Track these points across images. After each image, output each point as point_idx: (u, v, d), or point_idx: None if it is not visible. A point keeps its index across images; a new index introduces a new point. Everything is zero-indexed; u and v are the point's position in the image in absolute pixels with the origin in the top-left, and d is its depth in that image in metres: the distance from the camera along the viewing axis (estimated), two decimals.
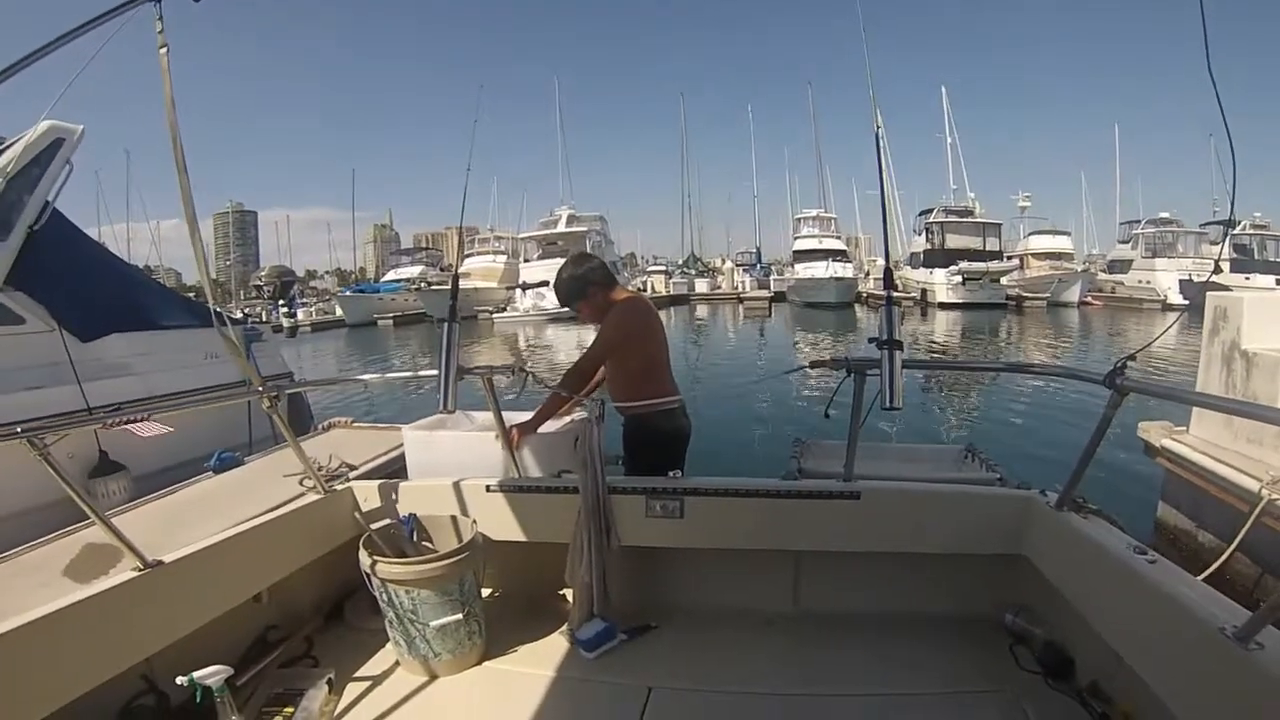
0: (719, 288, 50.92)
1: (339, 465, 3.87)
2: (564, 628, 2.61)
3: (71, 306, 4.80)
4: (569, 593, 2.68)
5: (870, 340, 2.16)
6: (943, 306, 30.50)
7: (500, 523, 2.66)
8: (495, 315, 32.93)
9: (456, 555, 2.31)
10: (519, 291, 34.91)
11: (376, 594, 2.32)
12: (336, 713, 2.15)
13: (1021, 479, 2.86)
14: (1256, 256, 26.84)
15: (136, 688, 1.97)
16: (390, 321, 34.85)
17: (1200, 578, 1.75)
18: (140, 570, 1.92)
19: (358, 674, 2.37)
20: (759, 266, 52.67)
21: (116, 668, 1.84)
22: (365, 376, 3.11)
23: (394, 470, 3.50)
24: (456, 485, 2.69)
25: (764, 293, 42.62)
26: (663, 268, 60.89)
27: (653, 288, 50.22)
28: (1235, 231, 28.59)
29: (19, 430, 1.67)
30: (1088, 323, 25.74)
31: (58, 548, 2.67)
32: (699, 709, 2.13)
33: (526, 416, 3.05)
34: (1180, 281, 26.73)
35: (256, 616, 2.45)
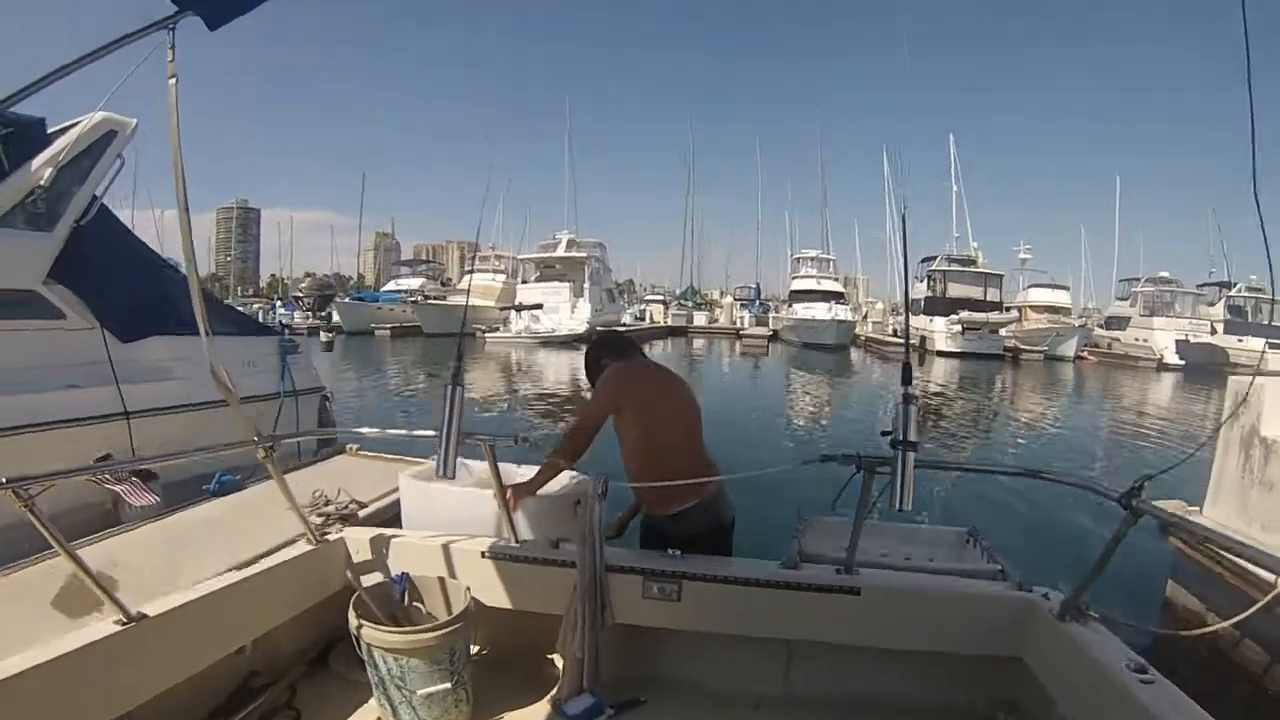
0: (717, 321, 51.23)
1: (338, 504, 3.77)
2: (551, 695, 2.52)
3: (114, 305, 4.64)
4: (558, 659, 2.60)
5: (884, 434, 2.09)
6: (940, 354, 30.56)
7: (493, 589, 2.57)
8: (488, 335, 32.73)
9: (449, 626, 2.21)
10: (513, 313, 34.83)
11: (363, 657, 2.22)
12: None
13: (1022, 569, 2.77)
14: (1251, 319, 27.00)
15: None
16: (388, 332, 34.78)
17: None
18: (124, 624, 1.84)
19: None
20: (757, 303, 52.90)
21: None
22: (364, 430, 3.00)
23: (394, 514, 3.35)
24: (449, 548, 2.60)
25: (763, 330, 42.63)
26: (661, 297, 61.25)
27: (651, 317, 50.72)
28: (1231, 294, 28.90)
29: (3, 480, 1.57)
30: (1082, 379, 25.80)
31: (42, 571, 2.53)
32: None
33: (525, 471, 2.95)
34: (1177, 341, 26.89)
35: (239, 664, 2.36)
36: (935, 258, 36.23)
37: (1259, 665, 3.51)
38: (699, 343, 42.86)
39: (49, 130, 4.66)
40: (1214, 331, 27.12)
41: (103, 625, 1.84)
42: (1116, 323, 32.57)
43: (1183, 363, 26.03)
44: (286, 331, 6.06)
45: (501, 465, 3.16)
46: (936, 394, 20.59)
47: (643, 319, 50.58)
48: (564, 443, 2.76)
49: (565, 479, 3.01)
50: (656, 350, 37.41)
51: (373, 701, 2.33)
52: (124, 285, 4.89)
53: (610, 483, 2.51)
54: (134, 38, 1.82)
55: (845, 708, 2.47)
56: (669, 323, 49.43)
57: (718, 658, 2.59)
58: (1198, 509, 4.46)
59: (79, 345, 4.40)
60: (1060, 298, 36.25)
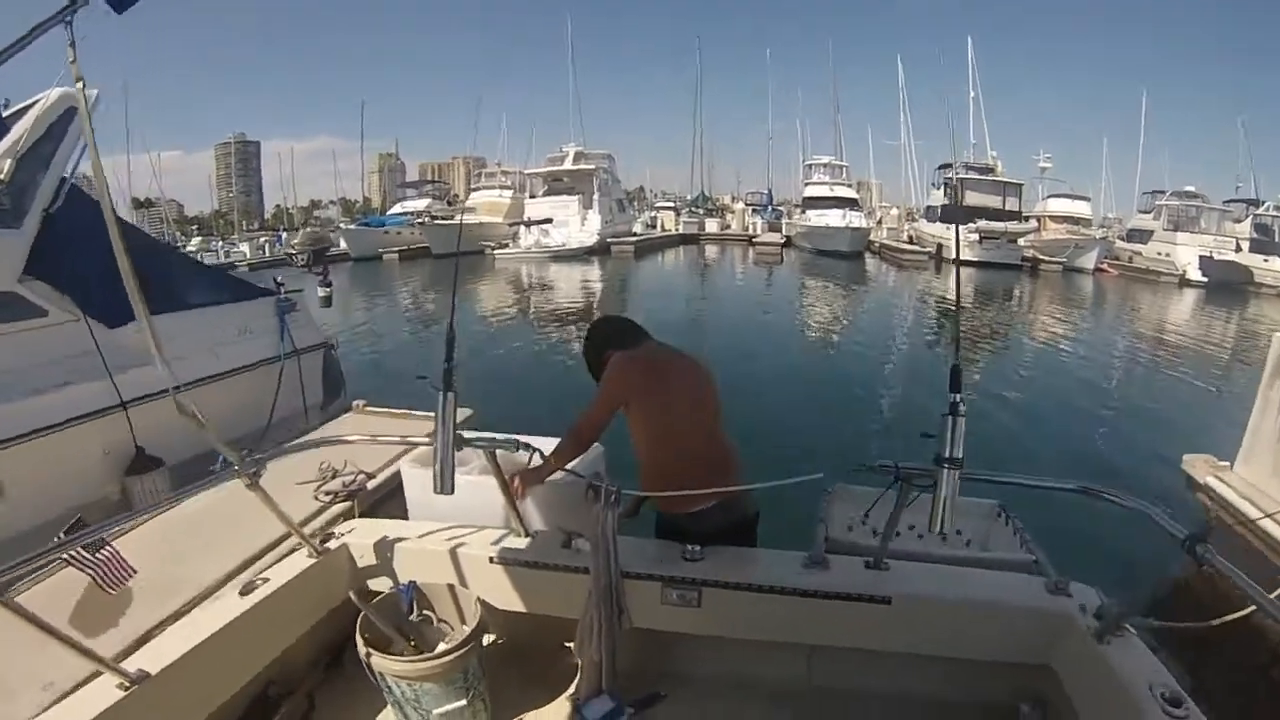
0: (729, 228, 50.43)
1: (345, 477, 3.71)
2: (569, 694, 2.47)
3: (96, 292, 4.38)
4: (575, 658, 2.50)
5: (924, 435, 1.94)
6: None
7: (505, 593, 2.49)
8: (497, 251, 32.47)
9: (460, 650, 2.13)
10: (523, 228, 34.53)
11: (375, 681, 2.15)
12: None
13: (1055, 553, 2.72)
14: (1278, 238, 26.18)
15: None
16: (395, 256, 34.31)
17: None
18: (126, 688, 1.73)
19: None
20: (770, 209, 51.91)
21: None
22: (352, 438, 2.82)
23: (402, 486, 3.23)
24: (456, 552, 2.50)
25: (776, 236, 41.66)
26: (672, 204, 60.29)
27: (662, 225, 50.13)
28: (1259, 212, 27.97)
29: None
30: (1102, 292, 25.40)
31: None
32: None
33: (534, 442, 2.82)
34: (1200, 258, 26.13)
35: (256, 678, 2.29)
36: (952, 165, 35.17)
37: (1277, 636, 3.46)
38: (711, 250, 42.48)
39: (3, 116, 4.36)
40: (1239, 249, 26.32)
41: (103, 690, 1.74)
42: (1138, 236, 31.68)
43: (1205, 280, 25.40)
44: (282, 290, 5.79)
45: (505, 436, 3.08)
46: (950, 305, 20.44)
47: (653, 227, 49.83)
48: (565, 442, 2.56)
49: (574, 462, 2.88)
50: (668, 259, 37.23)
51: (389, 710, 2.30)
52: (105, 269, 4.65)
53: (624, 491, 2.36)
54: (32, 35, 1.55)
55: (866, 700, 2.44)
56: (680, 230, 48.78)
57: (738, 655, 2.53)
58: (1228, 464, 4.36)
59: (66, 340, 4.23)
60: (1081, 208, 35.23)
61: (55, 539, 1.61)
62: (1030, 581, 2.30)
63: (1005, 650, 2.21)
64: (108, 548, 1.77)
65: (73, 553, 1.68)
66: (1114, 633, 1.95)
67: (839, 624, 2.26)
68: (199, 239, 46.61)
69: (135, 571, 1.89)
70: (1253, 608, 1.54)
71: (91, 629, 1.84)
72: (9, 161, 4.09)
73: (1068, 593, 2.18)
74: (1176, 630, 2.05)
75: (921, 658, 2.30)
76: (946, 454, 1.87)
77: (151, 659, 1.84)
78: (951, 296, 22.21)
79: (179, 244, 40.34)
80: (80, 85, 1.51)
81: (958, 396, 1.89)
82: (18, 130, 4.18)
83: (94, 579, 1.74)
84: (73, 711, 1.67)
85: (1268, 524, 3.65)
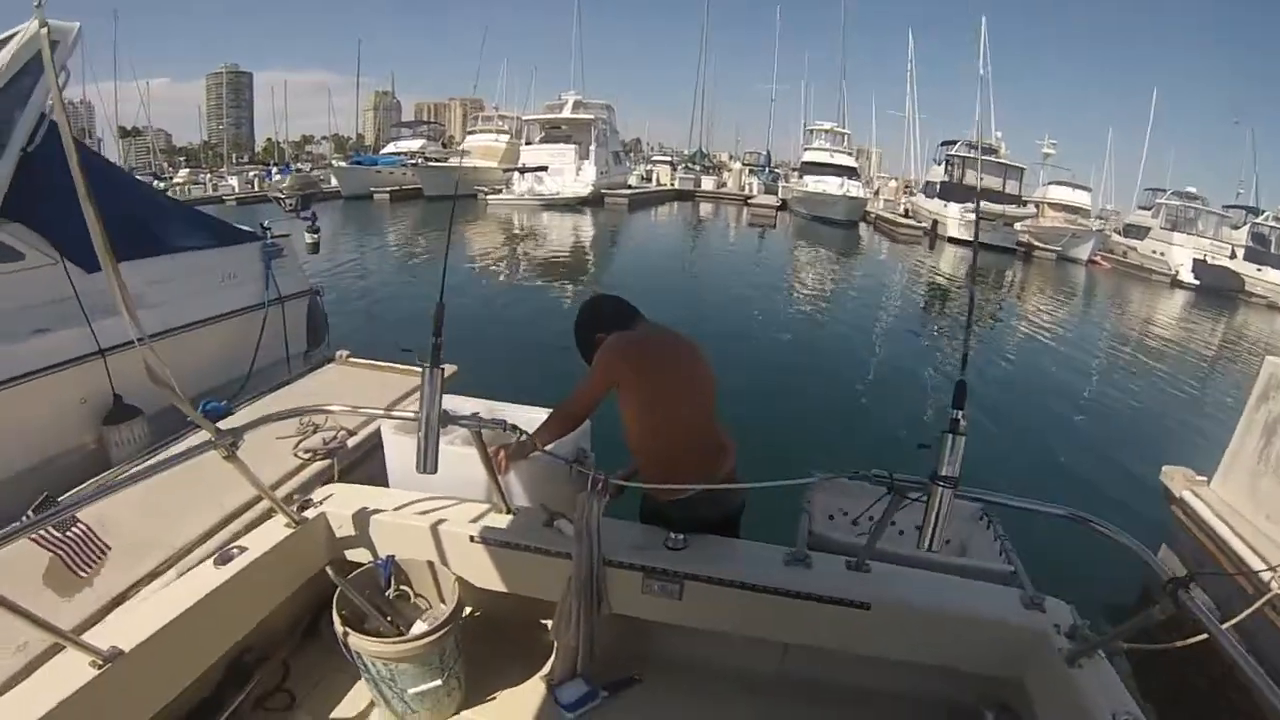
0: (725, 186, 49.98)
1: (326, 434, 3.65)
2: (543, 674, 2.51)
3: (75, 235, 4.11)
4: (551, 639, 2.52)
5: (921, 446, 1.91)
6: (952, 240, 30.07)
7: (484, 572, 2.46)
8: (490, 197, 32.11)
9: (437, 633, 2.13)
10: (517, 174, 34.12)
11: (351, 658, 2.14)
12: None
13: (1033, 562, 2.76)
14: (1274, 250, 26.14)
15: None
16: (386, 196, 33.79)
17: None
18: (99, 666, 1.70)
19: (334, 717, 2.30)
20: (767, 171, 51.40)
21: None
22: (334, 408, 2.74)
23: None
24: (438, 529, 2.46)
25: (772, 200, 41.42)
26: (668, 159, 59.65)
27: (658, 179, 49.67)
28: (1257, 221, 27.96)
29: None
30: (1093, 284, 25.58)
31: None
32: None
33: (519, 412, 2.76)
34: (1194, 260, 26.14)
35: (232, 647, 2.27)
36: (956, 142, 34.93)
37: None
38: (705, 208, 42.45)
39: None
40: (1234, 256, 26.36)
41: (75, 668, 1.70)
42: (1135, 231, 31.62)
43: (1197, 283, 25.48)
44: (269, 234, 5.63)
45: (489, 403, 2.99)
46: (942, 281, 20.44)
47: (649, 180, 49.31)
48: (552, 420, 2.49)
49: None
50: (662, 214, 36.98)
51: (364, 686, 2.30)
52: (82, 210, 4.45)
53: (611, 480, 2.34)
54: None
55: (838, 694, 2.47)
56: (676, 186, 48.38)
57: (714, 644, 2.54)
58: (1205, 480, 4.41)
59: (42, 284, 4.06)
60: (1080, 198, 35.05)
61: (23, 518, 1.54)
62: (1007, 594, 2.31)
63: (977, 661, 2.23)
64: (78, 525, 1.71)
65: (42, 533, 1.61)
66: (1086, 655, 1.97)
67: (818, 625, 2.27)
68: (186, 171, 46.08)
69: (109, 548, 1.83)
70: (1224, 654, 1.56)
71: (61, 595, 1.78)
72: None
73: (1042, 608, 2.20)
74: (1145, 660, 2.08)
75: (894, 660, 2.32)
76: (943, 472, 1.84)
77: (125, 635, 1.80)
78: (946, 276, 22.27)
79: (166, 175, 39.74)
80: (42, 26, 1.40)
81: (960, 413, 1.85)
82: None
83: (64, 561, 1.68)
84: (44, 689, 1.64)
85: (1238, 545, 3.72)
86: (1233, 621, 1.79)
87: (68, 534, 1.68)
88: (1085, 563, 3.49)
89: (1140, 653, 2.02)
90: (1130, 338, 15.95)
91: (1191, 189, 31.39)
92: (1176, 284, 26.07)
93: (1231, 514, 4.00)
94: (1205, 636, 1.62)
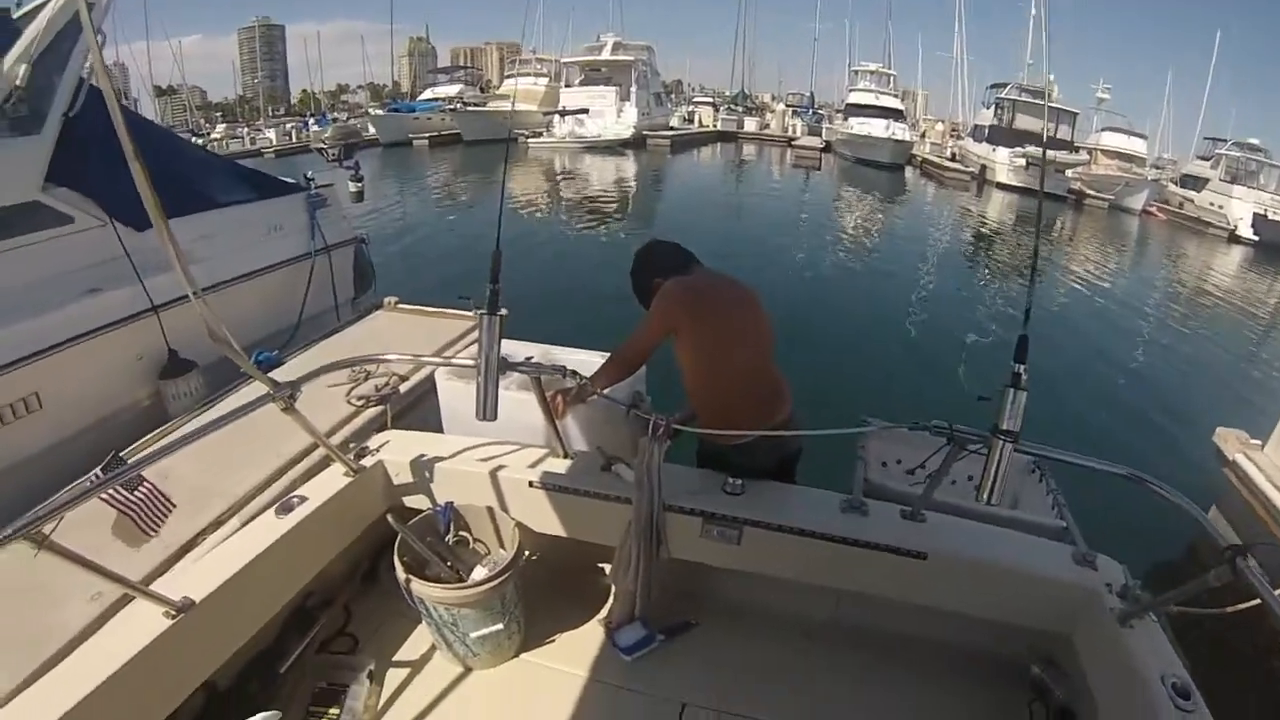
0: (767, 128, 48.78)
1: (378, 381, 3.73)
2: (601, 617, 2.56)
3: (122, 195, 4.20)
4: (609, 583, 2.59)
5: (980, 399, 1.92)
6: (1000, 186, 29.24)
7: (543, 518, 2.50)
8: (530, 140, 31.90)
9: (499, 578, 2.18)
10: (557, 117, 33.94)
11: (413, 604, 2.22)
12: (379, 706, 2.18)
13: (1084, 523, 2.77)
14: None
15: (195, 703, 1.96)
16: (425, 142, 33.82)
17: None
18: (172, 616, 1.78)
19: (396, 658, 2.38)
20: (811, 112, 50.03)
21: (158, 715, 1.79)
22: (390, 357, 2.77)
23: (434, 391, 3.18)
24: (496, 475, 2.49)
25: (816, 141, 40.20)
26: (710, 100, 58.44)
27: (700, 120, 48.87)
28: None
29: (10, 532, 1.41)
30: (1146, 235, 24.64)
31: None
32: None
33: (574, 355, 2.78)
34: (1255, 215, 24.72)
35: (295, 594, 2.36)
36: (1006, 85, 33.63)
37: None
38: (748, 149, 41.86)
39: (14, 18, 4.12)
40: None
41: (149, 618, 1.78)
42: (1192, 182, 29.90)
43: (1256, 238, 24.04)
44: (313, 185, 5.67)
45: (544, 347, 3.06)
46: (990, 229, 19.91)
47: (690, 122, 48.77)
48: (610, 364, 2.50)
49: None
50: (704, 155, 36.48)
51: (425, 629, 2.37)
52: (128, 170, 4.47)
53: (672, 425, 2.35)
54: None
55: (887, 642, 2.50)
56: (718, 127, 47.42)
57: (768, 589, 2.57)
58: (1260, 445, 4.31)
59: (93, 246, 4.15)
60: (1136, 145, 33.13)
61: (92, 478, 1.60)
62: (1059, 550, 2.30)
63: (1029, 615, 2.24)
64: (145, 484, 1.78)
65: (111, 492, 1.68)
66: (1137, 616, 1.97)
67: (874, 573, 2.28)
68: (224, 126, 46.16)
69: (174, 507, 1.90)
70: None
71: (130, 545, 1.87)
72: (24, 66, 3.91)
73: (1094, 566, 2.19)
74: (1195, 623, 2.06)
75: (945, 610, 2.33)
76: (1004, 425, 1.83)
77: (195, 586, 1.87)
78: (994, 222, 21.67)
79: (203, 132, 40.01)
80: None
81: (1022, 368, 1.83)
82: (30, 33, 3.95)
83: (133, 520, 1.75)
84: (121, 639, 1.72)
85: None
86: None
87: (135, 494, 1.74)
88: (1132, 521, 3.46)
89: (1185, 615, 2.00)
90: (1184, 293, 15.44)
91: (1254, 140, 29.60)
92: (1234, 239, 24.74)
93: None
94: (1256, 603, 1.60)
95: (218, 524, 2.67)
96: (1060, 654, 2.22)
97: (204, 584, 1.90)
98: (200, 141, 31.64)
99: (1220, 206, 26.52)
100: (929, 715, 2.27)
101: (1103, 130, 34.27)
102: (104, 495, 1.65)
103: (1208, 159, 30.53)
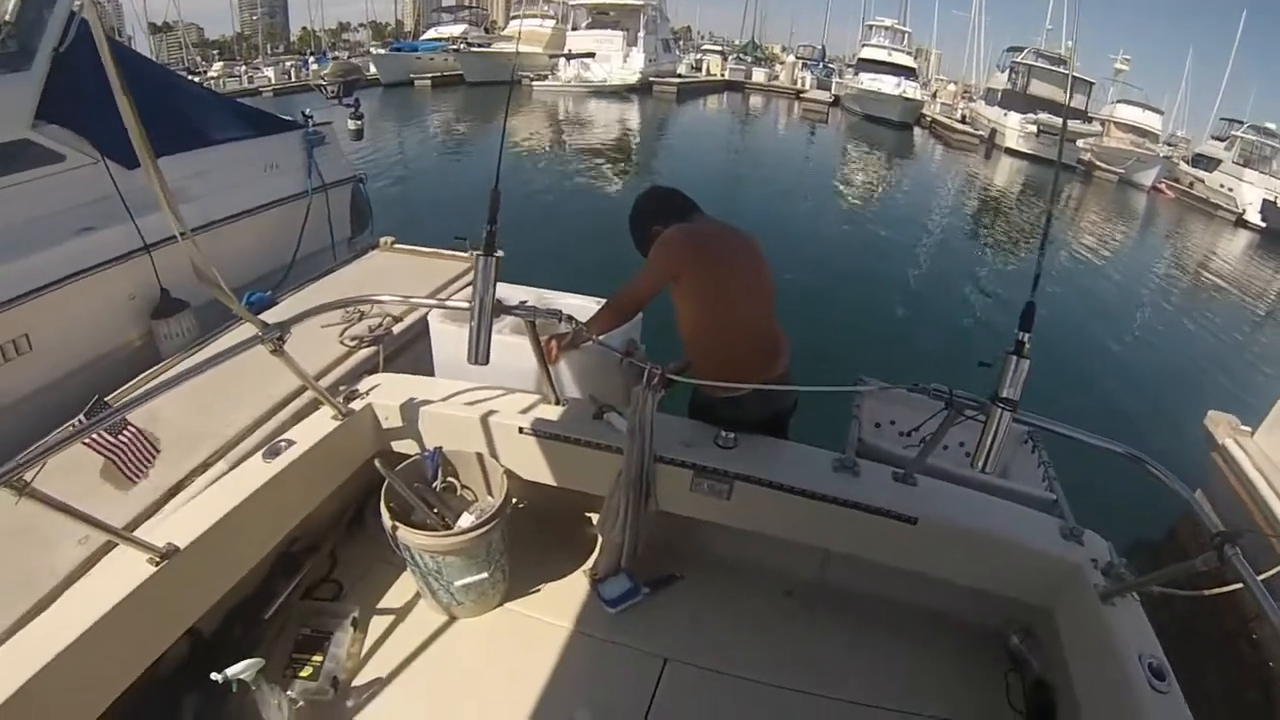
0: (776, 79, 47.82)
1: (371, 322, 3.69)
2: (586, 568, 2.56)
3: (113, 132, 3.92)
4: (595, 533, 2.60)
5: (981, 364, 1.87)
6: (1009, 152, 28.94)
7: (532, 465, 2.47)
8: (535, 83, 31.42)
9: (485, 526, 2.16)
10: (563, 60, 33.44)
11: (398, 550, 2.21)
12: (361, 654, 2.19)
13: (1073, 496, 2.80)
14: None
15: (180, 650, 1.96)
16: (428, 82, 33.14)
17: None
18: (157, 563, 1.76)
19: (380, 605, 2.38)
20: (821, 65, 49.06)
21: (143, 661, 1.77)
22: (383, 298, 2.71)
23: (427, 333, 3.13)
24: (487, 420, 2.45)
25: (825, 95, 39.84)
26: (719, 49, 57.27)
27: (708, 69, 48.03)
28: None
29: None
30: (1153, 212, 24.45)
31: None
32: (709, 690, 2.21)
33: (569, 300, 2.74)
34: (1264, 201, 24.28)
35: (281, 539, 2.35)
36: (1023, 49, 32.98)
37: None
38: (756, 100, 41.33)
39: None
40: None
41: (134, 565, 1.76)
42: (1204, 162, 29.31)
43: (1263, 225, 23.72)
44: (311, 122, 5.53)
45: (539, 291, 3.04)
46: (997, 194, 19.69)
47: (698, 70, 47.69)
48: (605, 311, 2.46)
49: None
50: (710, 105, 35.92)
51: (409, 576, 2.36)
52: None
53: (667, 374, 2.30)
54: None
55: (870, 604, 2.51)
56: (726, 76, 46.71)
57: (756, 545, 2.56)
58: (1249, 431, 4.32)
59: (85, 184, 4.04)
60: (1150, 120, 32.43)
61: (75, 423, 1.58)
62: (1047, 522, 2.30)
63: (1013, 586, 2.25)
64: (129, 429, 1.75)
65: (94, 437, 1.65)
66: (1119, 594, 1.97)
67: (864, 535, 2.27)
68: (221, 64, 44.77)
69: (159, 451, 1.87)
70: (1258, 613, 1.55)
71: (117, 488, 1.84)
72: (12, 0, 3.79)
73: (1080, 541, 2.18)
74: (1165, 602, 2.06)
75: (931, 576, 2.34)
76: (1004, 394, 1.80)
77: (180, 531, 1.85)
78: (1001, 188, 21.42)
79: (200, 70, 38.92)
80: None
81: (1026, 336, 1.78)
82: None
83: (116, 465, 1.72)
84: (106, 585, 1.71)
85: (1274, 501, 3.66)
86: (1263, 577, 1.78)
87: (119, 438, 1.72)
88: (1119, 498, 3.48)
89: (1161, 596, 2.01)
90: (1186, 274, 15.38)
91: (1271, 124, 29.17)
92: (1241, 223, 24.49)
93: (1273, 469, 3.92)
94: (1234, 588, 1.62)
95: (205, 467, 2.66)
96: (1040, 626, 2.24)
97: (189, 530, 1.88)
98: (197, 80, 31.12)
99: (1230, 189, 26.15)
100: (907, 678, 2.28)
101: (1118, 102, 33.67)
102: (87, 440, 1.62)
103: (1222, 140, 29.96)
